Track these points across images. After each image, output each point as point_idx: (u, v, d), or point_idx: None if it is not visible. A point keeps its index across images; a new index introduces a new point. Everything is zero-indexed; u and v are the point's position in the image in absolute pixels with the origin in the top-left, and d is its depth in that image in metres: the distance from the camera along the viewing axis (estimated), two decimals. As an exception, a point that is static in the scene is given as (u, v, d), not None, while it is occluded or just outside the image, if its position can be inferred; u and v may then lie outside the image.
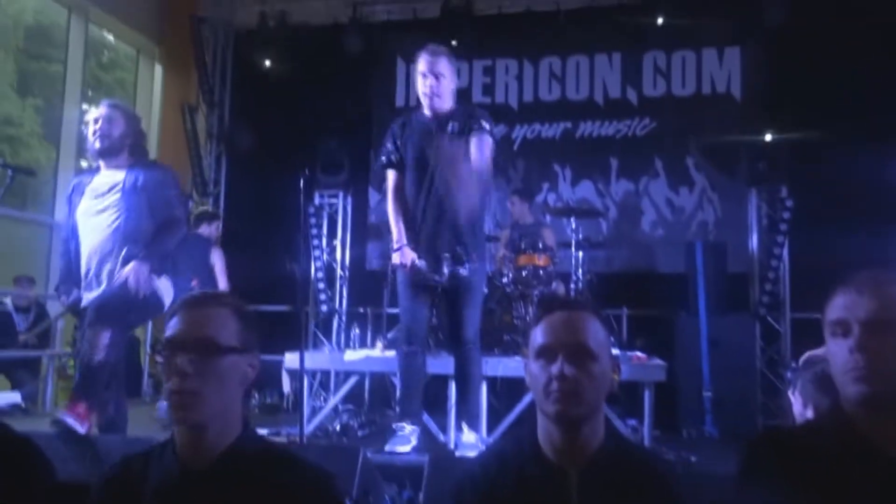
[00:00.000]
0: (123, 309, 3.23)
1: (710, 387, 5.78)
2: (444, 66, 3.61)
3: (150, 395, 7.34)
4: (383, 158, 3.79)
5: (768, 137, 6.60)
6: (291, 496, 1.49)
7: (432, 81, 3.60)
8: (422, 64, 3.63)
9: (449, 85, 3.64)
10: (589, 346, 1.54)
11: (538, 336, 1.58)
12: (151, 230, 3.38)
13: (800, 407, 2.16)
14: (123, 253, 3.34)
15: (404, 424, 3.72)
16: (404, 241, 3.64)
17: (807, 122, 6.53)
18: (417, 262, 3.61)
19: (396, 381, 5.12)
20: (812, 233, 6.16)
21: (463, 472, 1.63)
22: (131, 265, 3.26)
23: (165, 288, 3.43)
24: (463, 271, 3.61)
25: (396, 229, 3.68)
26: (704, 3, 7.13)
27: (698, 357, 5.89)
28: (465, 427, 3.72)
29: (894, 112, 6.30)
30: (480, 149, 3.55)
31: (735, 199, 6.94)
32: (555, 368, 1.51)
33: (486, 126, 3.64)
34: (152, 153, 8.98)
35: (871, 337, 1.40)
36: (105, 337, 3.10)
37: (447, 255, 3.62)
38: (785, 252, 6.40)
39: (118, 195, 3.40)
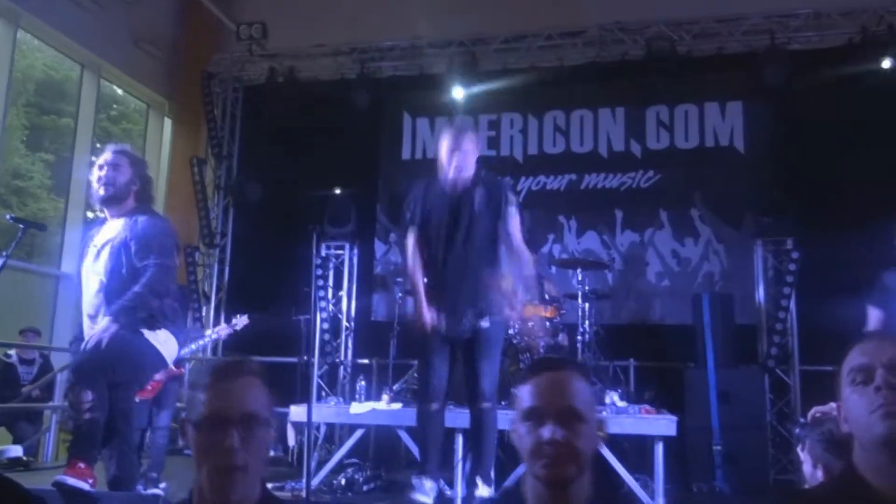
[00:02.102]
0: (102, 369, 3.14)
1: (720, 441, 5.70)
2: (469, 141, 3.83)
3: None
4: (408, 215, 3.90)
5: (773, 190, 6.65)
6: None
7: (459, 157, 3.76)
8: (448, 140, 3.80)
9: (472, 158, 3.82)
10: (577, 408, 1.53)
11: (525, 398, 1.58)
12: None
13: (809, 467, 2.13)
14: (105, 312, 3.26)
15: (424, 480, 3.74)
16: (425, 301, 3.73)
17: (811, 173, 6.60)
18: (437, 321, 3.70)
19: (402, 433, 5.07)
20: (819, 285, 6.15)
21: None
22: (102, 323, 3.19)
23: (166, 341, 3.37)
24: (484, 324, 3.70)
25: (418, 290, 3.79)
26: (705, 59, 7.27)
27: (707, 410, 5.81)
28: (479, 482, 3.70)
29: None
30: (514, 227, 3.81)
31: (741, 251, 6.95)
32: (545, 432, 1.50)
33: (513, 200, 3.87)
34: (160, 204, 9.14)
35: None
36: (87, 396, 3.04)
37: (469, 310, 3.71)
38: (792, 304, 6.38)
39: (108, 250, 3.34)
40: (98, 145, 8.34)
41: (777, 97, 6.91)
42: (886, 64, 6.69)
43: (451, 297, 3.73)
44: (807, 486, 2.14)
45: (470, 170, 3.82)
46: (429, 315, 3.69)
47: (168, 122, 9.72)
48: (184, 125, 9.45)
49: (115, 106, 10.86)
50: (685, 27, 7.35)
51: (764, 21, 7.19)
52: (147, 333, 3.27)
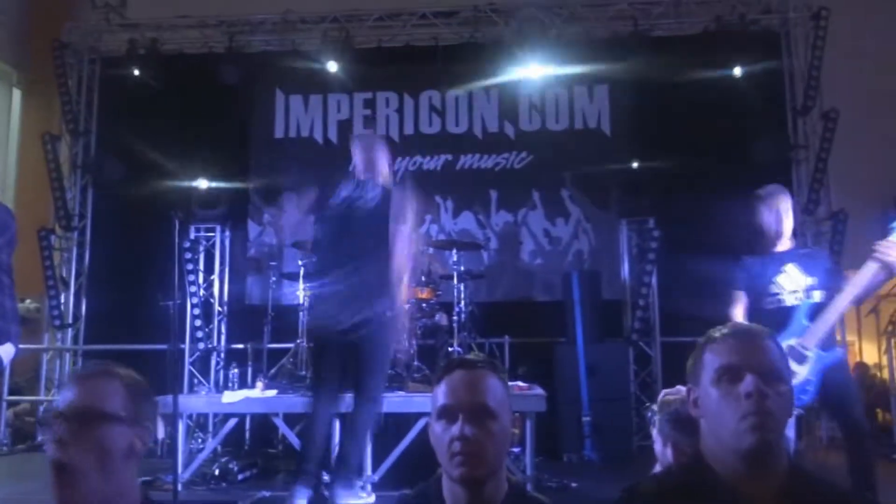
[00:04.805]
0: None
1: (589, 412, 5.98)
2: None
3: (7, 445, 6.80)
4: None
5: (636, 171, 6.97)
6: None
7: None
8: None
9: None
10: (489, 405, 1.56)
11: (439, 397, 1.60)
12: None
13: (660, 446, 2.26)
14: None
15: (301, 488, 3.69)
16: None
17: (671, 156, 6.94)
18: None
19: (279, 421, 4.98)
20: (677, 261, 6.52)
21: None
22: None
23: (5, 352, 3.16)
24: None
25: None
26: (574, 43, 7.47)
27: (577, 383, 6.08)
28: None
29: (750, 145, 6.84)
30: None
31: (607, 230, 7.26)
32: (455, 429, 1.53)
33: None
34: (10, 183, 8.47)
35: (765, 384, 1.43)
36: None
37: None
38: (654, 280, 6.75)
39: None
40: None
41: (640, 82, 7.21)
42: (739, 54, 7.14)
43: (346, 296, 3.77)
44: (658, 465, 2.27)
45: None
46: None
47: (17, 94, 9.00)
48: (35, 97, 8.78)
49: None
50: (555, 10, 7.54)
51: (628, 7, 7.49)
52: None
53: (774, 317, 3.53)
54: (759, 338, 1.52)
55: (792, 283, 3.61)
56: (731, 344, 1.50)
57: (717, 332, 1.56)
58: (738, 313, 3.69)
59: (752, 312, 3.68)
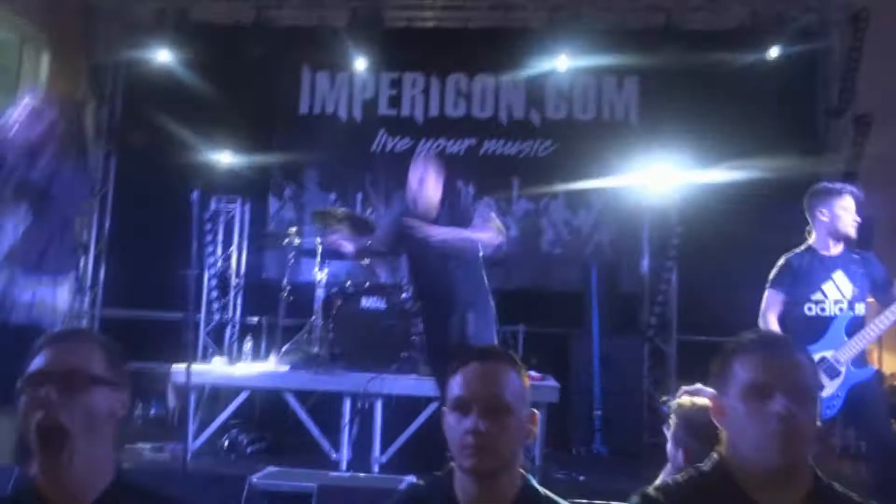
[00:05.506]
0: None
1: (600, 405, 5.94)
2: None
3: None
4: None
5: (661, 164, 6.85)
6: None
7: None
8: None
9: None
10: (505, 399, 1.54)
11: (454, 388, 1.58)
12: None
13: (672, 448, 2.21)
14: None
15: None
16: None
17: (698, 151, 6.84)
18: None
19: (290, 396, 4.98)
20: (698, 258, 6.45)
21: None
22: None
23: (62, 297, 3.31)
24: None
25: None
26: (605, 33, 7.35)
27: (590, 375, 6.03)
28: None
29: (779, 144, 6.71)
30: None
31: (629, 222, 7.16)
32: (469, 423, 1.51)
33: None
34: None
35: (795, 404, 1.41)
36: None
37: None
38: (674, 275, 6.67)
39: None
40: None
41: (671, 75, 7.07)
42: (773, 53, 7.01)
43: None
44: (669, 466, 2.23)
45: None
46: None
47: (45, 58, 9.01)
48: (62, 63, 8.77)
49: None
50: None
51: (662, -1, 7.35)
52: None
53: (811, 324, 3.40)
54: (792, 354, 1.48)
55: (837, 293, 3.41)
56: (763, 358, 1.46)
57: (747, 342, 1.52)
58: (773, 318, 3.47)
59: (788, 316, 3.48)
